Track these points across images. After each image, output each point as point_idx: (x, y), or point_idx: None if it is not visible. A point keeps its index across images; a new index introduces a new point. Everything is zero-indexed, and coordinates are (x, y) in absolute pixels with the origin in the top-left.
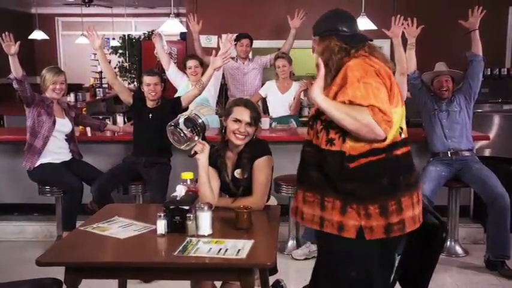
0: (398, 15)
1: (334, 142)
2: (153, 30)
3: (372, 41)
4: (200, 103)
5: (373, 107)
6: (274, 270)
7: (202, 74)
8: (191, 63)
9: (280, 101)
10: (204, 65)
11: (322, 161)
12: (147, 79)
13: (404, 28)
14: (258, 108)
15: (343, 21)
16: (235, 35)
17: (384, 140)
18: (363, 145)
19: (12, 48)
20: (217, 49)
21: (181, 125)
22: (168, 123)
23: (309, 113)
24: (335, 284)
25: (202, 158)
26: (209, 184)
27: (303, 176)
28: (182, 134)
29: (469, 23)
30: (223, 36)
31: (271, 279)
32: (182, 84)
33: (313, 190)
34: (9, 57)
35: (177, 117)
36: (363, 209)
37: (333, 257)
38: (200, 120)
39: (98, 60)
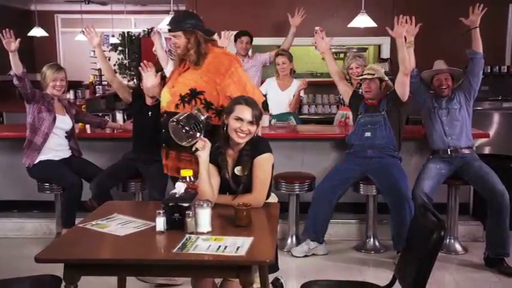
0: (401, 15)
1: None
2: (153, 28)
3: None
4: None
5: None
6: (275, 268)
7: None
8: None
9: (280, 98)
10: None
11: None
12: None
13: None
14: (259, 107)
15: (200, 19)
16: (233, 32)
17: None
18: None
19: (12, 44)
20: None
21: (184, 122)
22: (170, 119)
23: (308, 110)
24: None
25: (203, 155)
26: (209, 181)
27: None
28: (184, 131)
29: (469, 20)
30: (222, 33)
31: (272, 277)
32: None
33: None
34: (10, 54)
35: (180, 114)
36: None
37: None
38: (202, 117)
39: (96, 57)
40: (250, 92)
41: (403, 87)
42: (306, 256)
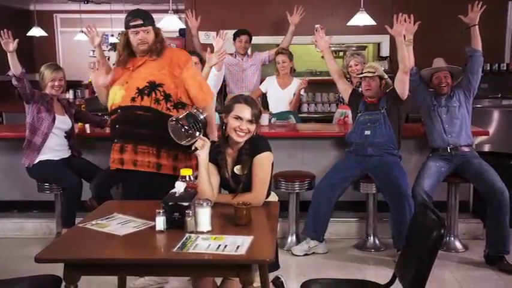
0: (400, 14)
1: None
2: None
3: None
4: None
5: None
6: (276, 266)
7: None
8: (192, 59)
9: (280, 97)
10: (203, 61)
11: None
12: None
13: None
14: (258, 105)
15: None
16: (227, 31)
17: None
18: None
19: (10, 45)
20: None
21: (183, 121)
22: (170, 118)
23: (308, 109)
24: None
25: (203, 154)
26: (209, 180)
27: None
28: (183, 130)
29: (468, 18)
30: (218, 33)
31: (273, 276)
32: None
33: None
34: (8, 55)
35: (179, 113)
36: None
37: None
38: (201, 116)
39: (96, 57)
40: (205, 87)
41: (402, 85)
42: (306, 255)
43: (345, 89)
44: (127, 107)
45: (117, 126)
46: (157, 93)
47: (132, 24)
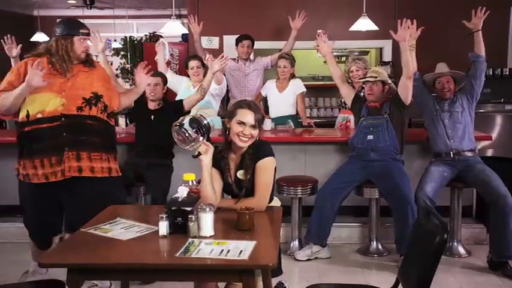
0: (404, 19)
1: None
2: (155, 32)
3: None
4: (205, 106)
5: None
6: (279, 271)
7: (204, 75)
8: (193, 63)
9: (278, 100)
10: (206, 66)
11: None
12: (148, 79)
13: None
14: (261, 110)
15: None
16: (228, 56)
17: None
18: None
19: (13, 50)
20: (218, 50)
21: (187, 126)
22: (174, 123)
23: (310, 114)
24: None
25: (206, 159)
26: (212, 185)
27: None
28: (187, 134)
29: (472, 23)
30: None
31: (276, 281)
32: (182, 85)
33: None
34: (11, 60)
35: (183, 118)
36: None
37: None
38: (205, 121)
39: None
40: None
41: (406, 91)
42: (309, 260)
43: (348, 94)
44: (73, 115)
45: (64, 134)
46: (100, 104)
47: (82, 31)
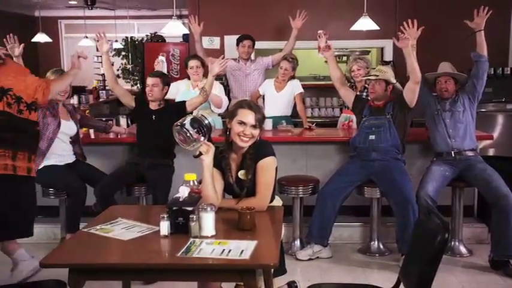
0: (405, 22)
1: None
2: (156, 33)
3: None
4: (205, 106)
5: None
6: (282, 270)
7: (204, 75)
8: (193, 63)
9: (275, 100)
10: (205, 66)
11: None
12: (148, 80)
13: (405, 29)
14: (262, 110)
15: None
16: (228, 59)
17: None
18: None
19: (16, 50)
20: (219, 51)
21: (188, 126)
22: (175, 123)
23: (312, 113)
24: None
25: (207, 159)
26: (213, 185)
27: None
28: (188, 134)
29: (474, 23)
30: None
31: (280, 280)
32: (180, 89)
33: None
34: (14, 59)
35: (184, 118)
36: None
37: None
38: (206, 121)
39: (101, 62)
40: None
41: (412, 94)
42: (310, 259)
43: (347, 96)
44: None
45: None
46: (8, 97)
47: None
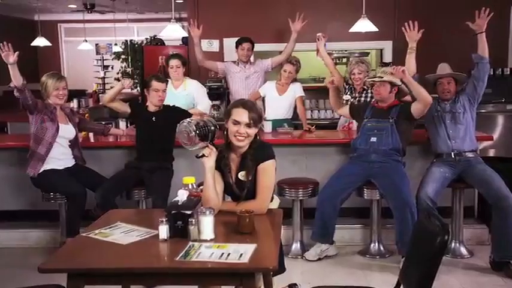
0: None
1: None
2: (155, 36)
3: None
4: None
5: None
6: (282, 269)
7: (185, 74)
8: (173, 62)
9: (276, 102)
10: (186, 65)
11: None
12: (157, 85)
13: (406, 31)
14: (257, 109)
15: None
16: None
17: None
18: None
19: (11, 57)
20: (218, 53)
21: (193, 127)
22: (179, 123)
23: (312, 115)
24: None
25: (209, 162)
26: (214, 188)
27: None
28: (191, 135)
29: (476, 25)
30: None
31: (280, 279)
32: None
33: None
34: (9, 66)
35: (189, 120)
36: None
37: None
38: (211, 125)
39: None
40: None
41: (419, 112)
42: (319, 259)
43: (344, 112)
44: None
45: None
46: None
47: None
